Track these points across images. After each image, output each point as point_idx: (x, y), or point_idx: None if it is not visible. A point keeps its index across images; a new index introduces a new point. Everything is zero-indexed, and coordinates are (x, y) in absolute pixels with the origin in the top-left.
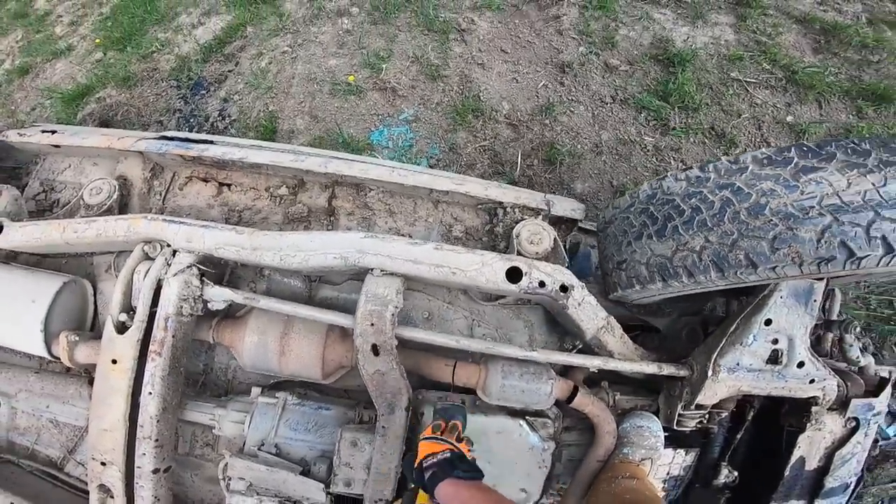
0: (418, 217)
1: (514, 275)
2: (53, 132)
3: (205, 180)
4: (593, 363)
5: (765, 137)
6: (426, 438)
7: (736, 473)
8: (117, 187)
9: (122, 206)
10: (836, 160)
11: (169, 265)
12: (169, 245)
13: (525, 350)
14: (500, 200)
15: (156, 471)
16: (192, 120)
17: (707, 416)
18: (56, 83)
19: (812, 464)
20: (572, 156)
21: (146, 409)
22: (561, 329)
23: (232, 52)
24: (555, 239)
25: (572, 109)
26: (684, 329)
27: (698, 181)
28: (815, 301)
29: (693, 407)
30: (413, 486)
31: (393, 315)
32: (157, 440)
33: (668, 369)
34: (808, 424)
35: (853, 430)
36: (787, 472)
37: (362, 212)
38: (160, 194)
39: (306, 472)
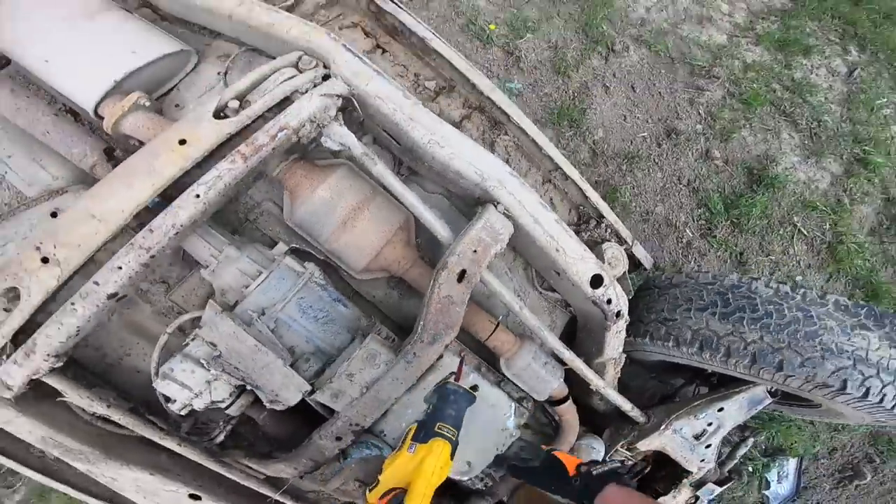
0: (525, 181)
1: (596, 281)
2: None
3: (367, 34)
4: (598, 383)
5: (769, 283)
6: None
7: None
8: None
9: None
10: (883, 330)
11: (315, 85)
12: (326, 67)
13: (564, 348)
14: (604, 214)
15: (112, 296)
16: None
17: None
18: None
19: None
20: (624, 209)
21: (176, 213)
22: (566, 341)
23: None
24: (625, 272)
25: (650, 171)
26: (650, 390)
27: (785, 296)
28: (755, 409)
29: (628, 448)
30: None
31: (495, 254)
32: (152, 257)
33: (635, 412)
34: (672, 490)
35: None
36: None
37: (483, 146)
38: (319, 23)
39: (291, 365)
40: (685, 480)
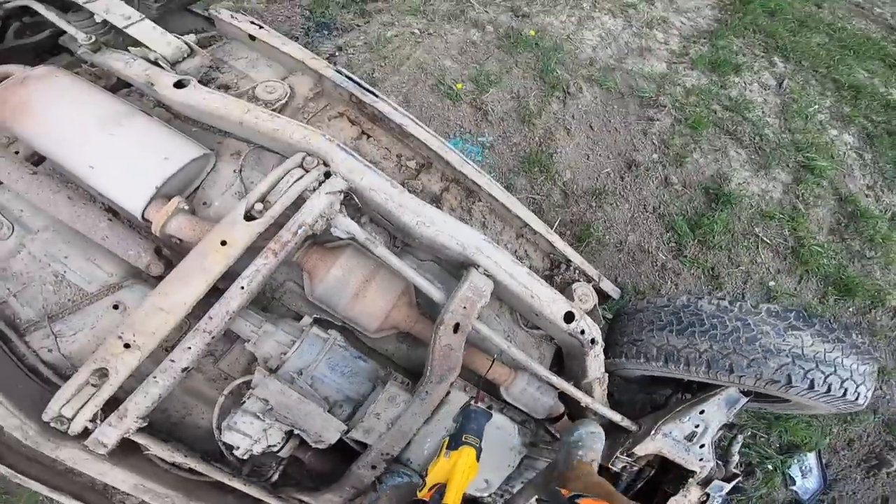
0: (501, 239)
1: (568, 317)
2: (261, 27)
3: (352, 122)
4: (586, 400)
5: (744, 293)
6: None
7: None
8: (288, 94)
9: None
10: (813, 328)
11: (319, 183)
12: (326, 165)
13: (551, 374)
14: (570, 259)
15: (185, 369)
16: None
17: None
18: None
19: None
20: (599, 242)
21: (228, 301)
22: (557, 370)
23: (370, 10)
24: (595, 305)
25: (618, 204)
26: (640, 402)
27: (724, 310)
28: (735, 409)
29: (627, 454)
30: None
31: (481, 307)
32: (212, 338)
33: (626, 422)
34: (681, 490)
35: (702, 503)
36: None
37: (462, 214)
38: (309, 114)
39: (328, 412)
40: (691, 480)
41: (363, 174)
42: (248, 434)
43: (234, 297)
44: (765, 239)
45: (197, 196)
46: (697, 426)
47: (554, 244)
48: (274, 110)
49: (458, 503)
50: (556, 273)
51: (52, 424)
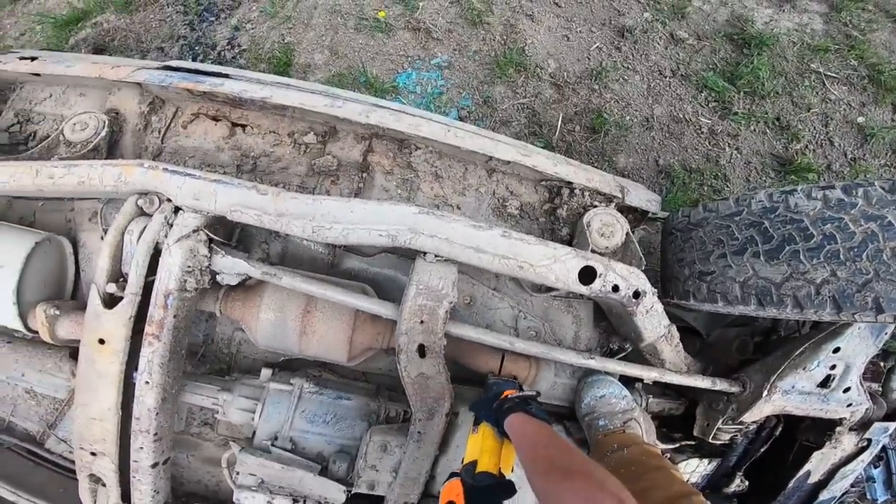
0: (468, 185)
1: (587, 275)
2: (33, 59)
3: (215, 119)
4: (650, 375)
5: (830, 136)
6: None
7: (747, 483)
8: (106, 123)
9: (111, 145)
10: None
11: (170, 225)
12: (169, 200)
13: (583, 357)
14: (569, 180)
15: (155, 465)
16: (196, 48)
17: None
18: (49, 8)
19: (815, 478)
20: (619, 127)
21: (143, 400)
22: (605, 325)
23: None
24: (627, 233)
25: (626, 78)
26: (735, 340)
27: (840, 206)
28: (886, 334)
29: (733, 423)
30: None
31: (447, 313)
32: (156, 434)
33: (721, 385)
34: (828, 443)
35: (862, 450)
36: (790, 484)
37: (403, 172)
38: (159, 131)
39: (324, 470)
40: (839, 428)
41: (213, 195)
42: None
43: (146, 393)
44: (829, 73)
45: (83, 281)
46: (833, 367)
47: (536, 168)
48: (96, 147)
49: (495, 466)
50: (560, 203)
51: None
